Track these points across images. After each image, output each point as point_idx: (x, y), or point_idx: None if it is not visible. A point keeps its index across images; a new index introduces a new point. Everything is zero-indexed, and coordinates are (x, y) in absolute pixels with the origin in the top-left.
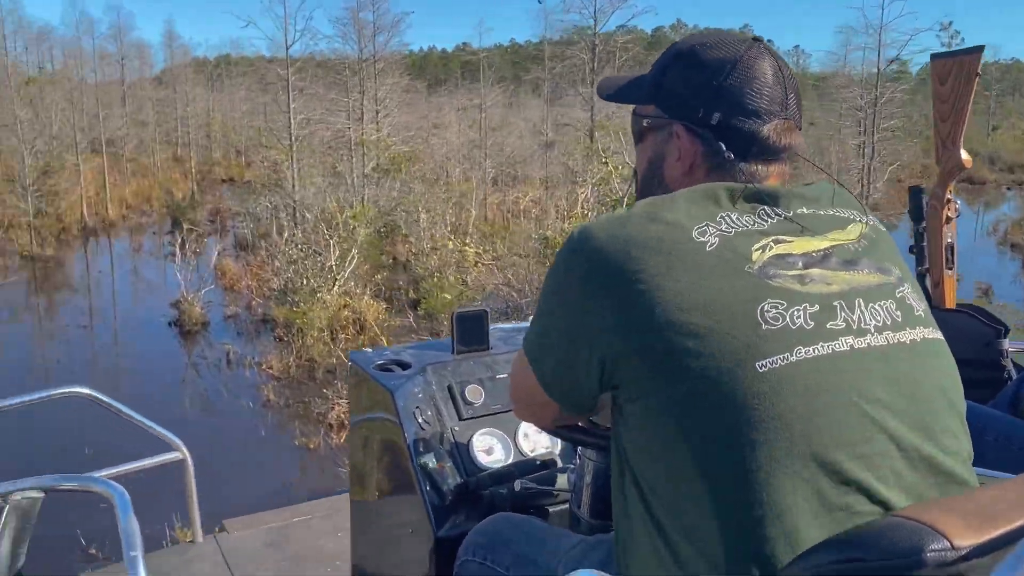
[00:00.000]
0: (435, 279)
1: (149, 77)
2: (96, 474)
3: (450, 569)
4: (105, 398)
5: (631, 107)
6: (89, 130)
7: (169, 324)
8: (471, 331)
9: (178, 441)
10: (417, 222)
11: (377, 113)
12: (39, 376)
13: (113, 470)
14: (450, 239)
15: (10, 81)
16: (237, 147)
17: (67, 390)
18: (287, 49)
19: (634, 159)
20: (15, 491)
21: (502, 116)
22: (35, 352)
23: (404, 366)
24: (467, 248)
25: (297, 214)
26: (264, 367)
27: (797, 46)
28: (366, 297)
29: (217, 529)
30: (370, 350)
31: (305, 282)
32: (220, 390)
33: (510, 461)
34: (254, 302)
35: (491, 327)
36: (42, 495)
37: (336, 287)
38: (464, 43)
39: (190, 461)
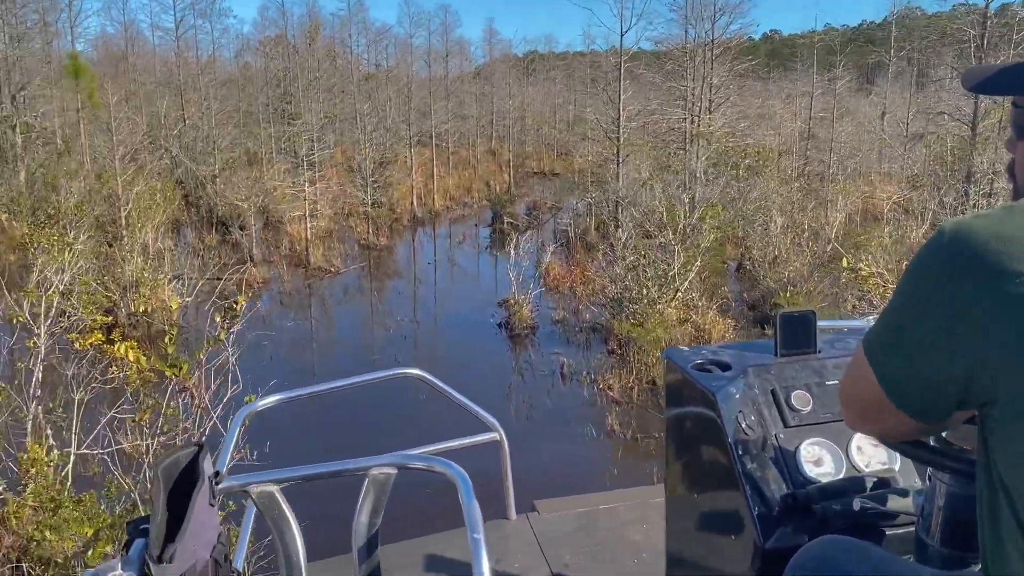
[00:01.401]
0: (788, 294)
1: (469, 72)
2: (430, 448)
3: None
4: (434, 379)
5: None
6: (418, 123)
7: (498, 325)
8: (797, 333)
9: (496, 423)
10: (764, 225)
11: (711, 103)
12: (371, 363)
13: (440, 446)
14: (847, 257)
15: (353, 77)
16: (548, 140)
17: (401, 371)
18: (621, 36)
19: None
20: (374, 466)
21: (834, 104)
22: (369, 342)
23: (723, 367)
24: (864, 267)
25: (620, 212)
26: (601, 386)
27: None
28: (711, 312)
29: (528, 510)
30: (686, 348)
31: (645, 291)
32: (547, 404)
33: (842, 475)
34: (581, 306)
35: (819, 325)
36: (395, 471)
37: (676, 298)
38: (773, 30)
39: (506, 443)
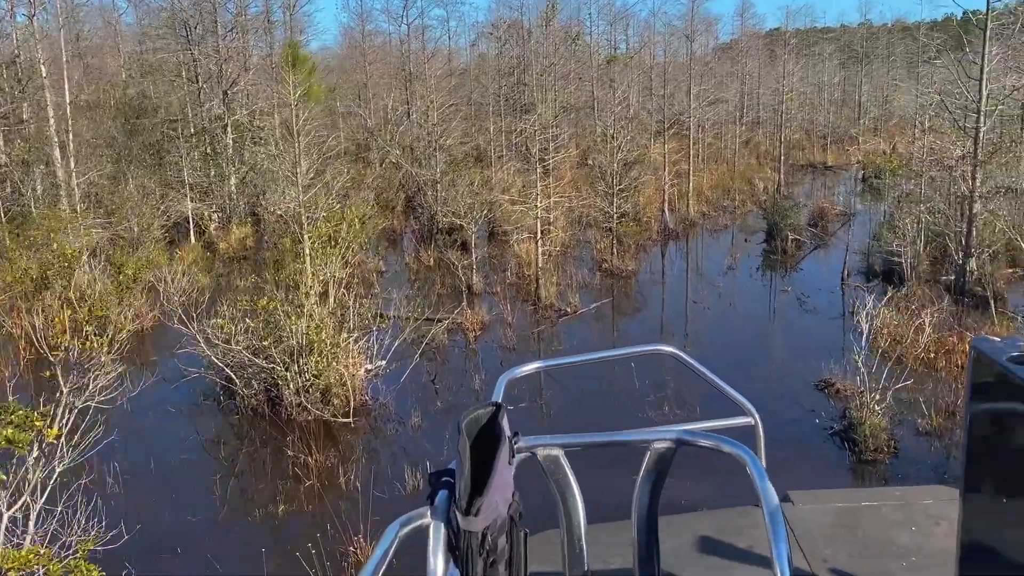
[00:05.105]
0: None
1: (713, 49)
2: (679, 428)
3: None
4: (687, 357)
5: None
6: (664, 111)
7: (830, 433)
8: None
9: (751, 407)
10: None
11: None
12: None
13: (691, 426)
14: None
15: (591, 61)
16: (815, 127)
17: (653, 348)
18: None
19: None
20: (657, 440)
21: None
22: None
23: None
24: None
25: (975, 237)
26: None
27: None
28: None
29: (782, 499)
30: (998, 339)
31: None
32: None
33: None
34: (958, 399)
35: None
36: (677, 446)
37: None
38: None
39: (761, 428)
